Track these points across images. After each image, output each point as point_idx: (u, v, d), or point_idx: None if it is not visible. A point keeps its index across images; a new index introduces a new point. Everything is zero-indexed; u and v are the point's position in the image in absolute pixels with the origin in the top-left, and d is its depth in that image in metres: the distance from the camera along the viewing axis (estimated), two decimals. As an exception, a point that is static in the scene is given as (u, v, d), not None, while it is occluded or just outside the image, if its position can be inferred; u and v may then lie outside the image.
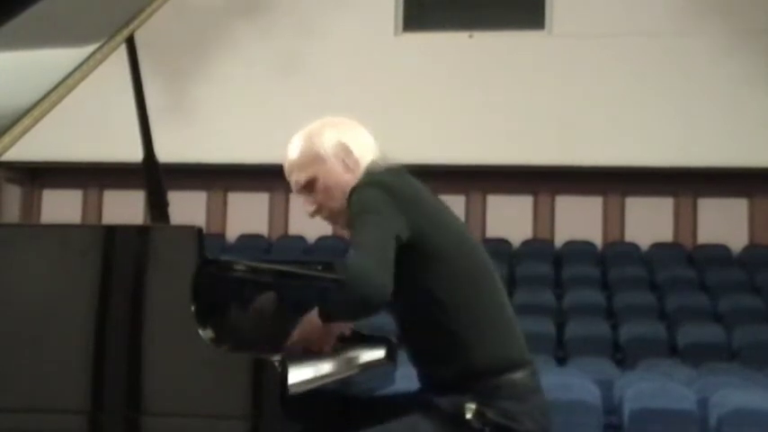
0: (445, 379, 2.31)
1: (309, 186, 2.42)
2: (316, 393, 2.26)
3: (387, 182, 2.31)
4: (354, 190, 2.33)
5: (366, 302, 2.16)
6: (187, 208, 9.81)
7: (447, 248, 2.31)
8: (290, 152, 2.45)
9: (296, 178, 2.44)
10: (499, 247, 9.85)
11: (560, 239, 10.47)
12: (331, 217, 2.46)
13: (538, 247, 10.42)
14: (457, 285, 2.30)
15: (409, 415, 2.33)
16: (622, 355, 8.08)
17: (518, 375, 2.31)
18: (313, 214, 2.46)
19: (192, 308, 2.05)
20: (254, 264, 2.57)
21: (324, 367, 2.38)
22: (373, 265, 2.14)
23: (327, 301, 2.28)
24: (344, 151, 2.41)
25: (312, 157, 2.41)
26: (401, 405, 2.40)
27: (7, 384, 2.10)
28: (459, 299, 2.29)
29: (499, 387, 2.27)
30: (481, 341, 2.29)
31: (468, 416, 2.23)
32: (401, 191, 2.30)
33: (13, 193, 11.51)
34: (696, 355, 7.71)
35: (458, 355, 2.29)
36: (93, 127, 10.44)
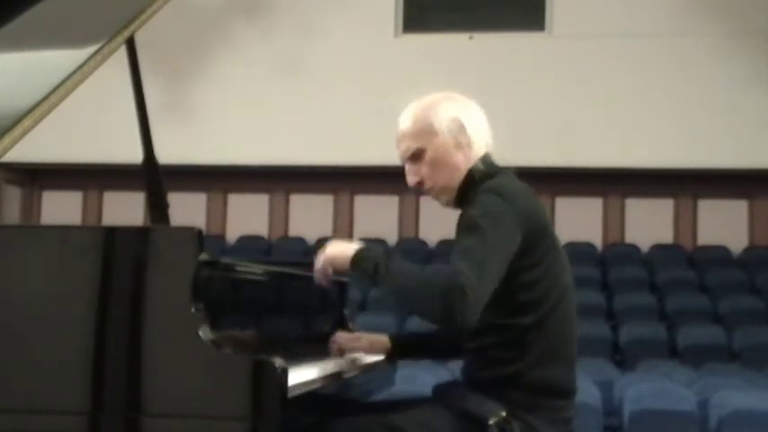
0: (488, 381, 2.28)
1: (417, 157, 2.39)
2: (316, 395, 2.26)
3: (514, 195, 2.27)
4: (482, 189, 2.29)
5: (455, 321, 2.07)
6: (187, 209, 9.81)
7: (545, 271, 2.28)
8: (403, 120, 2.42)
9: (405, 147, 2.40)
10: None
11: (560, 241, 10.45)
12: (432, 191, 2.42)
13: (538, 248, 10.40)
14: (541, 302, 2.27)
15: (424, 407, 2.33)
16: (622, 357, 8.08)
17: (559, 403, 2.31)
18: (415, 185, 2.42)
19: (192, 309, 2.05)
20: (254, 265, 2.58)
21: (324, 368, 2.38)
22: (475, 290, 2.06)
23: (418, 300, 2.17)
24: (459, 128, 2.38)
25: (425, 128, 2.37)
26: (406, 405, 2.39)
27: (7, 385, 2.10)
28: (539, 314, 2.27)
29: (537, 407, 2.26)
30: (542, 361, 2.27)
31: (492, 421, 2.21)
32: (527, 210, 2.26)
33: (13, 195, 11.52)
34: (696, 357, 7.71)
35: (517, 364, 2.26)
36: (94, 128, 10.45)
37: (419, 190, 2.43)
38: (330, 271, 2.35)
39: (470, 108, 2.45)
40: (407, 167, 2.42)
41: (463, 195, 2.36)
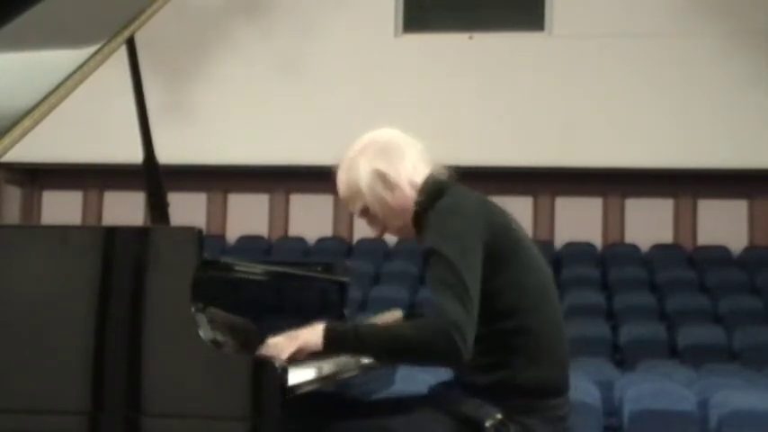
0: (482, 386, 2.29)
1: (365, 213, 2.46)
2: (315, 395, 2.26)
3: (466, 208, 2.31)
4: (433, 212, 2.32)
5: (449, 359, 2.15)
6: (187, 209, 9.80)
7: (516, 273, 2.30)
8: (338, 186, 2.49)
9: (351, 208, 2.49)
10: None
11: (560, 241, 10.47)
12: (399, 233, 2.50)
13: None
14: (518, 305, 2.29)
15: (423, 411, 2.33)
16: (622, 357, 8.08)
17: (554, 402, 2.32)
18: (379, 236, 2.52)
19: (192, 309, 2.06)
20: (254, 265, 2.58)
21: (324, 368, 2.38)
22: (465, 319, 2.13)
23: (411, 350, 2.19)
24: (380, 177, 2.41)
25: (355, 191, 2.44)
26: (405, 405, 2.39)
27: (7, 385, 2.10)
28: (524, 317, 2.29)
29: (532, 408, 2.28)
30: (534, 362, 2.29)
31: (488, 423, 2.23)
32: (482, 220, 2.29)
33: (14, 195, 11.52)
34: (696, 356, 7.71)
35: (507, 368, 2.28)
36: (94, 128, 10.45)
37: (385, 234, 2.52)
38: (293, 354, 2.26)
39: (389, 147, 2.46)
40: (366, 222, 2.50)
41: (419, 223, 2.40)
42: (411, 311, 2.78)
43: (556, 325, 2.36)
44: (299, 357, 2.22)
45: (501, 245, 2.29)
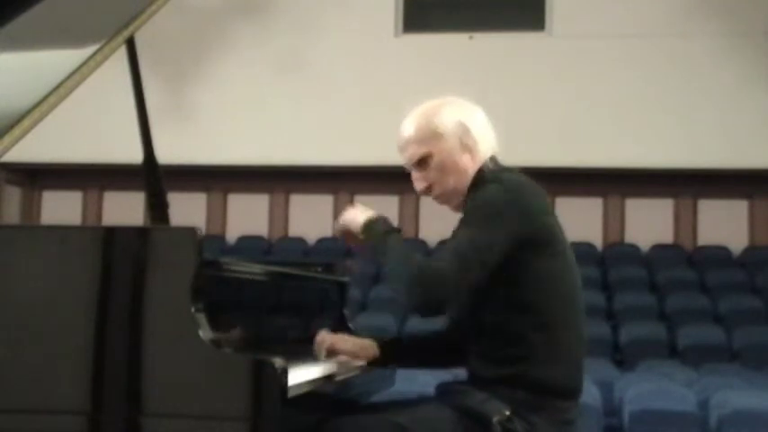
0: (494, 378, 2.27)
1: (423, 162, 2.38)
2: (315, 395, 2.26)
3: (519, 190, 2.29)
4: (484, 182, 2.31)
5: (428, 304, 2.15)
6: (187, 209, 9.80)
7: (550, 270, 2.29)
8: (406, 127, 2.41)
9: (411, 153, 2.39)
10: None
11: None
12: (441, 196, 2.42)
13: (538, 248, 10.40)
14: (546, 302, 2.27)
15: (427, 405, 2.33)
16: (622, 357, 8.08)
17: (564, 404, 2.30)
18: (423, 191, 2.42)
19: (192, 309, 2.05)
20: (254, 265, 2.57)
21: (324, 369, 2.38)
22: (457, 269, 2.13)
23: (402, 275, 2.21)
24: (464, 131, 2.38)
25: (430, 133, 2.37)
26: (407, 405, 2.39)
27: (7, 385, 2.10)
28: (545, 314, 2.27)
29: (543, 407, 2.25)
30: (551, 360, 2.27)
31: (495, 419, 2.21)
32: (530, 206, 2.28)
33: (13, 195, 11.52)
34: (696, 357, 7.71)
35: (522, 362, 2.26)
36: (93, 128, 10.45)
37: (427, 195, 2.44)
38: (345, 230, 2.39)
39: (474, 112, 2.45)
40: (414, 174, 2.42)
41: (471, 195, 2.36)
42: (391, 343, 2.73)
43: (578, 328, 2.34)
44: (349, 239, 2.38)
45: (541, 236, 2.27)
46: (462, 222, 2.24)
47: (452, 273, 2.12)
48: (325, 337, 2.58)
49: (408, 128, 2.40)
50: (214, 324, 2.10)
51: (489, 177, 2.34)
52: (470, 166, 2.37)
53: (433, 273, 2.13)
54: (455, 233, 2.25)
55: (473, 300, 2.28)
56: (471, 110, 2.45)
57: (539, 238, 2.26)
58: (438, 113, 2.39)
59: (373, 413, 2.37)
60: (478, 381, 2.32)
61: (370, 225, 2.31)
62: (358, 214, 2.36)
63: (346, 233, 2.39)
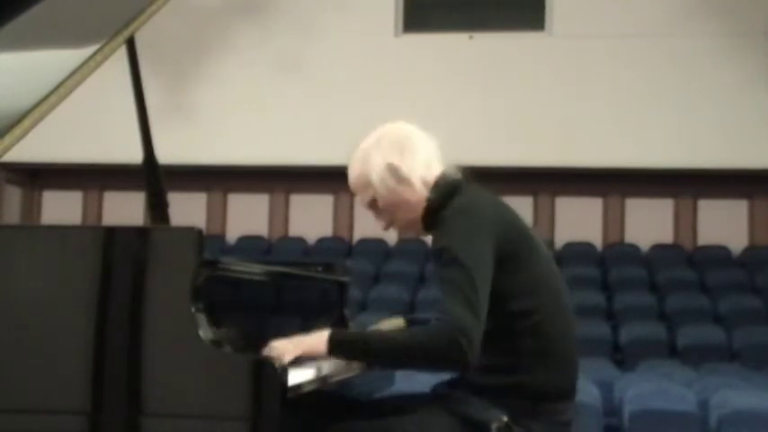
0: (490, 387, 2.29)
1: (373, 205, 2.46)
2: (315, 394, 2.26)
3: (482, 210, 2.30)
4: (449, 211, 2.32)
5: (456, 365, 2.16)
6: (187, 209, 9.80)
7: (530, 275, 2.30)
8: (349, 174, 2.48)
9: (360, 198, 2.48)
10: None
11: (560, 240, 10.47)
12: (403, 229, 2.50)
13: (538, 247, 10.39)
14: (530, 307, 2.28)
15: (427, 411, 2.33)
16: (622, 356, 8.08)
17: (560, 406, 2.32)
18: (385, 228, 2.50)
19: (192, 309, 2.06)
20: (254, 265, 2.57)
21: (324, 368, 2.38)
22: (472, 323, 2.13)
23: (408, 346, 2.19)
24: (393, 172, 2.40)
25: (365, 182, 2.43)
26: (408, 405, 2.39)
27: (7, 385, 2.10)
28: (531, 320, 2.28)
29: (539, 411, 2.27)
30: (544, 366, 2.28)
31: (494, 426, 2.22)
32: (497, 222, 2.29)
33: (14, 195, 11.51)
34: (696, 356, 7.71)
35: (517, 370, 2.27)
36: (94, 128, 10.45)
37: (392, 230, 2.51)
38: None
39: (403, 142, 2.45)
40: (373, 214, 2.49)
41: (429, 221, 2.39)
42: (411, 317, 2.76)
43: (567, 328, 2.36)
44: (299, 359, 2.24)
45: (515, 246, 2.28)
46: (448, 264, 2.21)
47: (471, 323, 2.13)
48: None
49: (350, 176, 2.48)
50: (214, 324, 2.10)
51: (443, 202, 2.35)
52: (414, 196, 2.41)
53: (457, 335, 2.12)
54: (441, 274, 2.23)
55: None
56: (401, 142, 2.44)
57: (511, 252, 2.28)
58: (367, 162, 2.43)
59: (373, 417, 2.37)
60: (475, 390, 2.32)
61: (337, 343, 2.25)
62: (314, 341, 2.27)
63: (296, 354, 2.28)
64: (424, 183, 2.41)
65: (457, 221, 2.28)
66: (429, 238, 2.37)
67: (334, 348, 2.24)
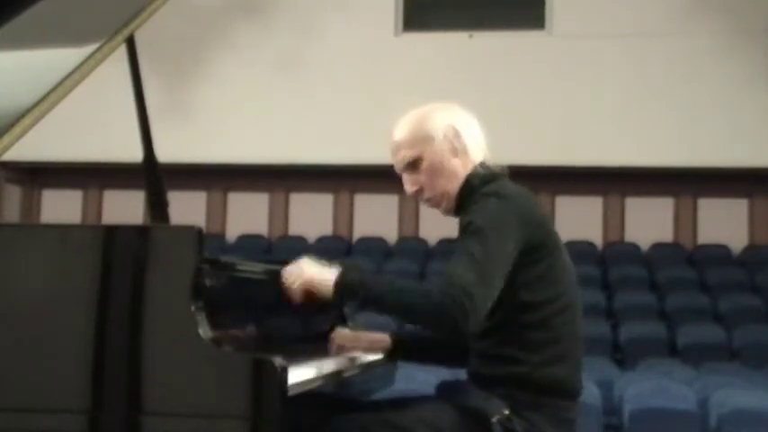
0: (494, 377, 2.28)
1: (414, 165, 2.40)
2: (316, 393, 2.26)
3: (515, 197, 2.30)
4: (482, 192, 2.31)
5: (456, 323, 2.11)
6: (187, 208, 9.80)
7: (549, 271, 2.30)
8: (398, 130, 2.43)
9: (401, 156, 2.41)
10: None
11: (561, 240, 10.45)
12: (432, 200, 2.43)
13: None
14: (544, 301, 2.28)
15: (426, 404, 2.33)
16: (622, 355, 8.08)
17: (564, 403, 2.31)
18: (413, 194, 2.44)
19: (192, 308, 2.05)
20: (254, 263, 2.57)
21: (324, 367, 2.37)
22: (478, 290, 2.11)
23: (415, 304, 2.18)
24: (454, 134, 2.39)
25: (421, 137, 2.39)
26: (407, 404, 2.39)
27: (7, 384, 2.10)
28: (543, 313, 2.27)
29: (541, 406, 2.26)
30: (551, 360, 2.28)
31: (495, 419, 2.22)
32: (528, 212, 2.29)
33: (13, 193, 11.51)
34: (696, 355, 7.71)
35: (523, 362, 2.26)
36: (94, 127, 10.45)
37: (418, 198, 2.45)
38: (302, 293, 2.33)
39: (465, 116, 2.47)
40: (405, 177, 2.44)
41: (463, 201, 2.38)
42: (402, 337, 2.75)
43: (576, 327, 2.35)
44: (303, 299, 2.31)
45: (540, 240, 2.28)
46: (469, 234, 2.21)
47: (471, 287, 2.10)
48: (338, 336, 2.68)
49: (400, 131, 2.43)
50: (214, 323, 2.10)
51: (481, 186, 2.35)
52: (461, 169, 2.39)
53: (452, 292, 2.10)
54: (460, 242, 2.23)
55: None
56: (463, 115, 2.47)
57: (538, 243, 2.27)
58: (429, 117, 2.41)
59: (373, 412, 2.37)
60: (479, 380, 2.32)
61: (345, 278, 2.26)
62: (322, 270, 2.31)
63: (306, 293, 2.32)
64: (475, 159, 2.41)
65: (487, 202, 2.27)
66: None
67: (338, 294, 2.26)
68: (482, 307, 2.12)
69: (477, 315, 2.11)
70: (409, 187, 2.43)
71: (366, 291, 2.23)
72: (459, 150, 2.39)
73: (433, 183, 2.40)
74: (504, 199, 2.27)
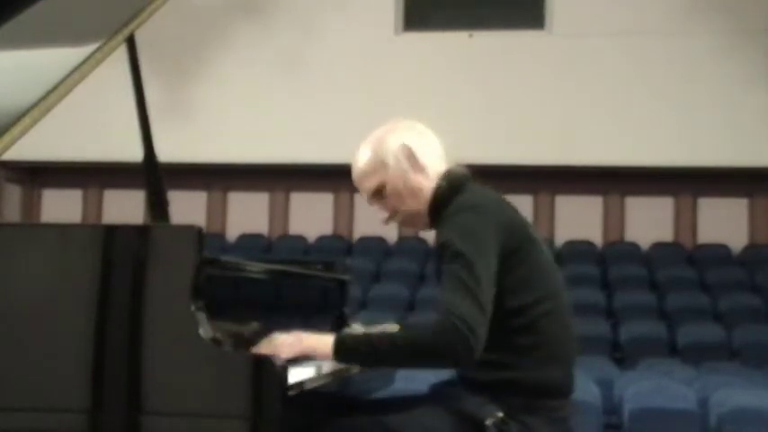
0: (486, 383, 2.28)
1: (379, 193, 2.42)
2: (316, 393, 2.26)
3: (487, 206, 2.29)
4: (454, 207, 2.30)
5: (462, 358, 2.12)
6: (187, 207, 9.81)
7: (531, 272, 2.29)
8: (356, 162, 2.45)
9: (365, 188, 2.43)
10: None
11: (560, 239, 10.47)
12: (406, 221, 2.45)
13: (538, 246, 10.40)
14: (529, 305, 2.28)
15: (422, 408, 2.33)
16: (622, 355, 8.08)
17: (556, 403, 2.32)
18: (388, 221, 2.46)
19: (192, 307, 2.06)
20: (254, 263, 2.58)
21: (324, 367, 2.38)
22: (477, 318, 2.11)
23: (411, 342, 2.17)
24: (408, 153, 2.39)
25: (377, 164, 2.40)
26: (406, 403, 2.40)
27: (8, 383, 2.11)
28: (529, 317, 2.27)
29: (534, 407, 2.27)
30: (540, 362, 2.28)
31: (489, 422, 2.22)
32: (502, 220, 2.28)
33: (14, 193, 11.51)
34: (696, 355, 7.71)
35: (512, 367, 2.27)
36: (94, 127, 10.45)
37: (396, 223, 2.46)
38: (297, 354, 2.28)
39: (417, 130, 2.47)
40: (376, 206, 2.45)
41: (435, 215, 2.38)
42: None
43: (565, 326, 2.35)
44: (297, 358, 2.24)
45: (516, 244, 2.27)
46: (451, 258, 2.19)
47: (470, 317, 2.10)
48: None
49: (358, 162, 2.44)
50: (214, 322, 2.10)
51: (451, 196, 2.34)
52: (425, 183, 2.40)
53: (462, 323, 2.09)
54: (444, 267, 2.21)
55: None
56: (415, 130, 2.46)
57: (515, 247, 2.27)
58: (381, 143, 2.42)
59: (370, 414, 2.38)
60: (470, 385, 2.33)
61: (343, 343, 2.23)
62: (317, 343, 2.26)
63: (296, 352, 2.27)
64: (436, 173, 2.40)
65: (461, 218, 2.27)
66: (429, 236, 2.38)
67: (338, 354, 2.22)
68: (483, 335, 2.13)
69: (480, 346, 2.12)
70: (383, 215, 2.44)
71: (370, 348, 2.21)
72: (417, 167, 2.39)
73: (402, 205, 2.41)
74: (475, 211, 2.27)
